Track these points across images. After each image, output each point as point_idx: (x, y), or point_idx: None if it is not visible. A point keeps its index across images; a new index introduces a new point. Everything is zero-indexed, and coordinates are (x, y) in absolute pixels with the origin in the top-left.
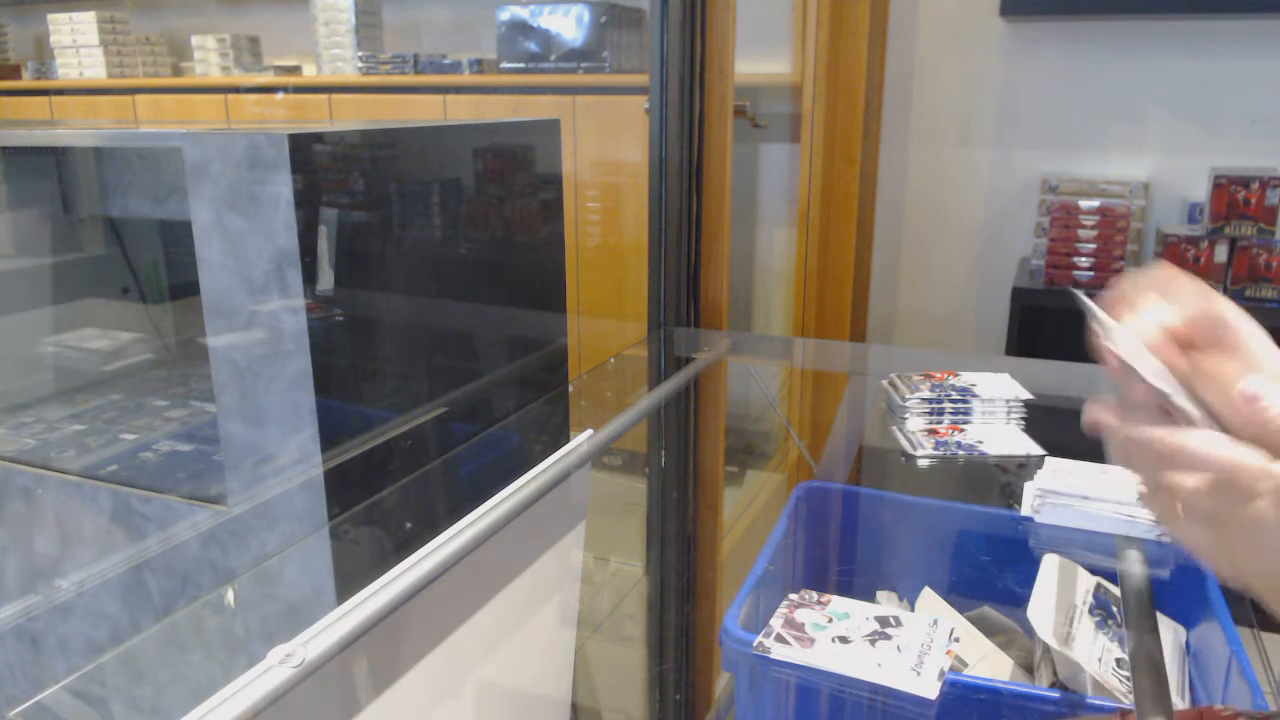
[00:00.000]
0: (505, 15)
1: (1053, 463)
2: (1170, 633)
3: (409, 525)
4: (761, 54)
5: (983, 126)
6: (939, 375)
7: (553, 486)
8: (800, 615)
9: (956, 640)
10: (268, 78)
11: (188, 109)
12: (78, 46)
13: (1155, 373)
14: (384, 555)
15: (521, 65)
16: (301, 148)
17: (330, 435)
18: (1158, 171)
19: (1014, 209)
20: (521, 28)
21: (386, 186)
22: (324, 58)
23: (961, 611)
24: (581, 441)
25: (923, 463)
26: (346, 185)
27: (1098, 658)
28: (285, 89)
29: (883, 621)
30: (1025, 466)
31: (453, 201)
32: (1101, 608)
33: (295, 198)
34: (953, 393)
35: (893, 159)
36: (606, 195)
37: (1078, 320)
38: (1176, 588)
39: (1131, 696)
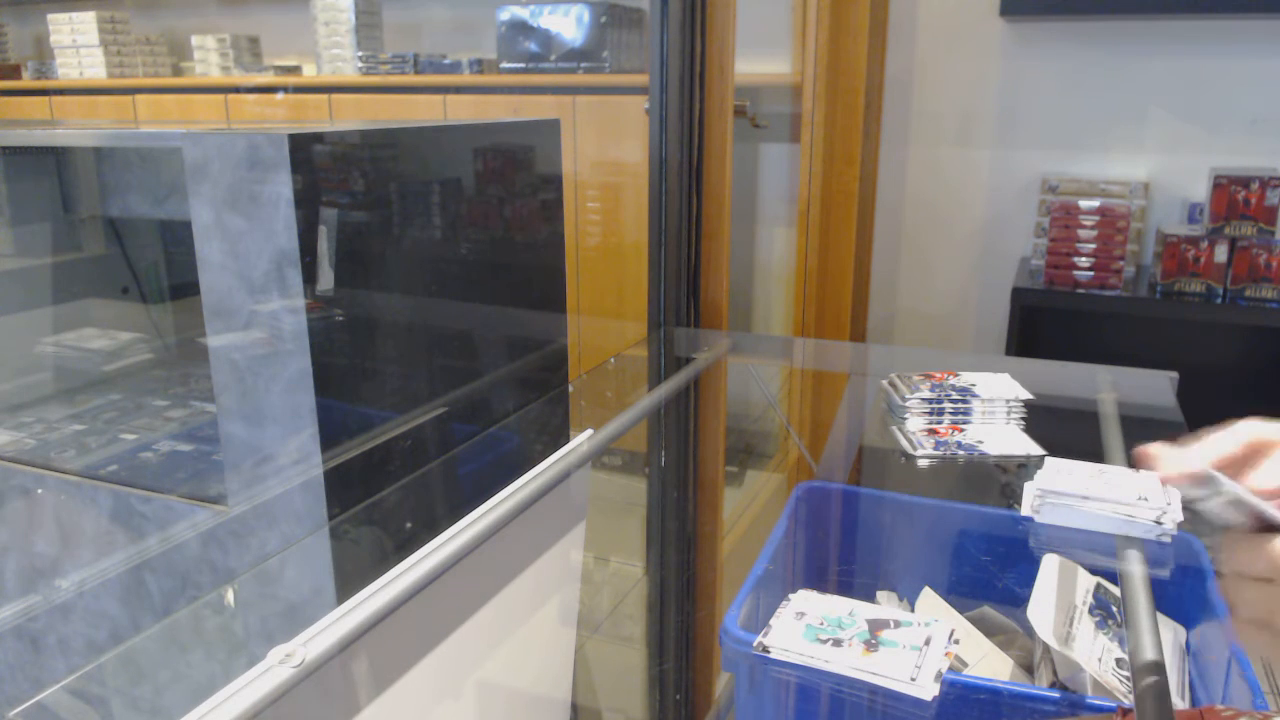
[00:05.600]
0: (505, 15)
1: (1053, 463)
2: (1170, 633)
3: (409, 525)
4: (761, 54)
5: (982, 126)
6: (939, 375)
7: (553, 486)
8: (800, 615)
9: (956, 642)
10: (268, 78)
11: (188, 109)
12: (78, 46)
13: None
14: (384, 555)
15: (521, 65)
16: (301, 148)
17: (330, 435)
18: (1158, 171)
19: (1014, 209)
20: (521, 28)
21: (386, 186)
22: (324, 58)
23: (961, 611)
24: (581, 441)
25: (923, 463)
26: (346, 185)
27: (1098, 658)
28: (285, 89)
29: (882, 622)
30: (1025, 466)
31: (453, 202)
32: (1101, 608)
33: (295, 198)
34: (953, 393)
35: (893, 159)
36: (606, 195)
37: (1078, 320)
38: (1176, 588)
39: (1131, 696)
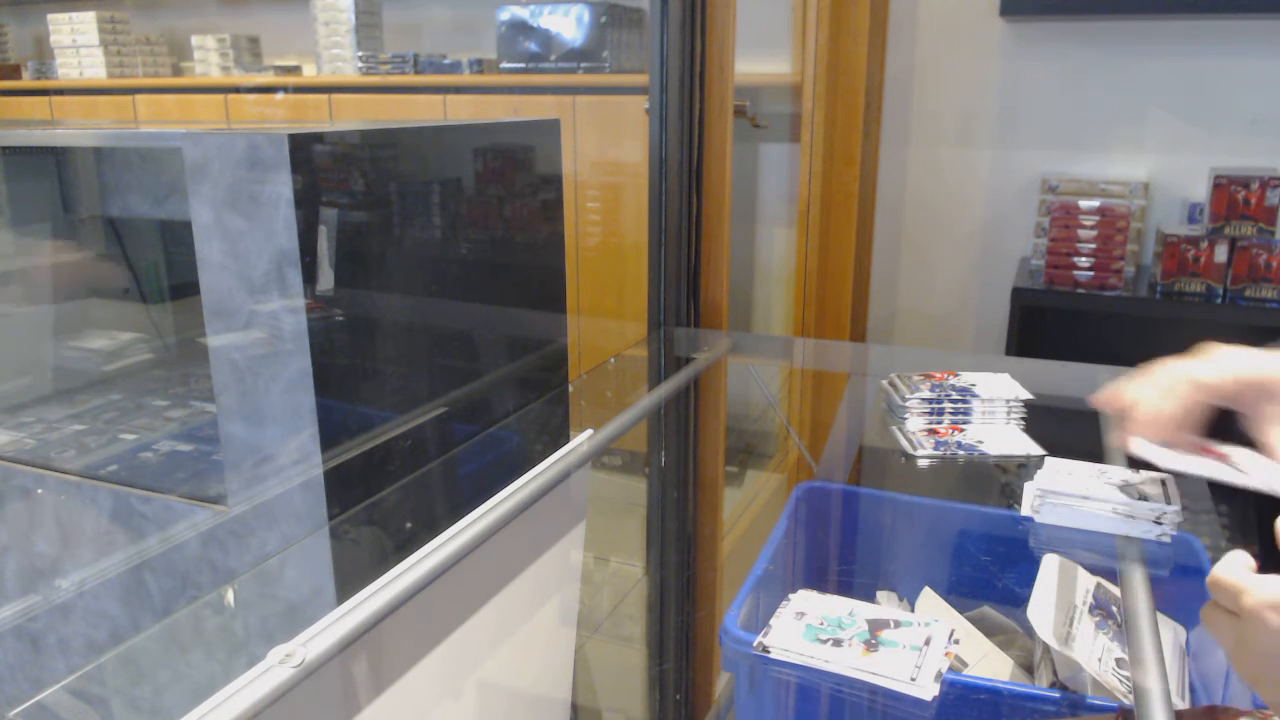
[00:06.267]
0: (505, 15)
1: (1053, 463)
2: (1170, 633)
3: (409, 525)
4: (761, 54)
5: (983, 126)
6: (939, 375)
7: (553, 486)
8: (800, 615)
9: (956, 642)
10: (268, 78)
11: (188, 109)
12: (78, 46)
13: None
14: (384, 555)
15: (521, 65)
16: (301, 148)
17: (330, 435)
18: (1158, 171)
19: (1014, 209)
20: (521, 28)
21: (386, 186)
22: (324, 58)
23: (961, 611)
24: (581, 441)
25: (923, 463)
26: (346, 185)
27: (1098, 658)
28: (285, 89)
29: (882, 622)
30: (1025, 466)
31: (453, 202)
32: (1101, 608)
33: (295, 198)
34: (953, 393)
35: (893, 159)
36: (606, 195)
37: (1078, 320)
38: (1176, 588)
39: (1131, 696)
